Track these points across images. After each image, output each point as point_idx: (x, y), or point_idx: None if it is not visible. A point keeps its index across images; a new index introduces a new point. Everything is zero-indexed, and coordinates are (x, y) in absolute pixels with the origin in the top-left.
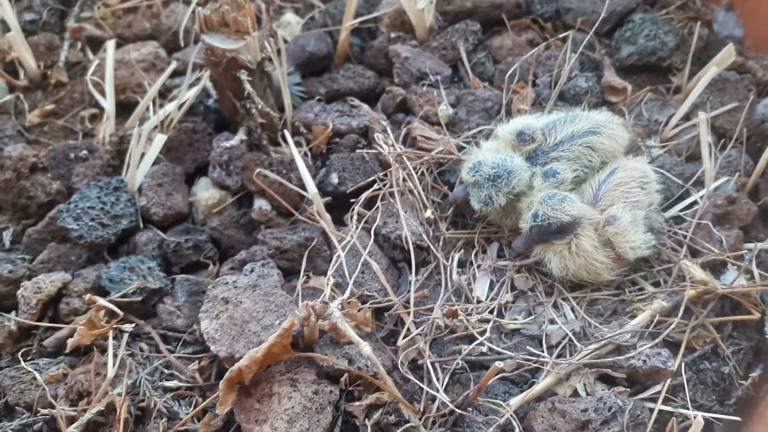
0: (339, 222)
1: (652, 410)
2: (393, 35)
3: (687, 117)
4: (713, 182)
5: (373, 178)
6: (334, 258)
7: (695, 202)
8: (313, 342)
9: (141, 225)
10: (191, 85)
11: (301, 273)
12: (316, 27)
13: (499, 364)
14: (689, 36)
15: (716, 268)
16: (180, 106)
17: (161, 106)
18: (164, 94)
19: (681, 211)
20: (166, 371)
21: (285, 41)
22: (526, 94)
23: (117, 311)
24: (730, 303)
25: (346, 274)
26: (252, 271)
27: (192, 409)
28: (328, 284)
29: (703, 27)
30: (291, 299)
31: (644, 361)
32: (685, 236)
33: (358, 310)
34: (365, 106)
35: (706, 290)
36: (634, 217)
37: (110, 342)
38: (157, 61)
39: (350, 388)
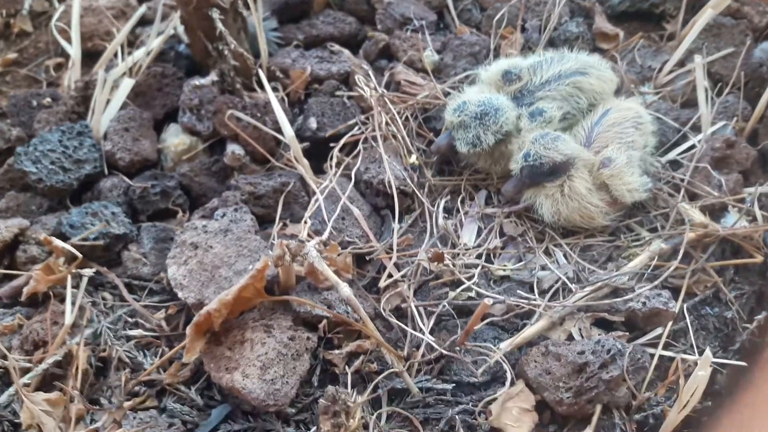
0: (318, 170)
1: (652, 356)
2: None
3: (681, 63)
4: (710, 127)
5: (353, 120)
6: (312, 201)
7: (692, 147)
8: (289, 288)
9: (106, 171)
10: (161, 32)
11: (277, 219)
12: None
13: (488, 301)
14: None
15: (715, 212)
16: (149, 52)
17: (131, 54)
18: (135, 43)
19: (677, 155)
20: (130, 320)
21: None
22: (515, 39)
23: (76, 254)
24: (731, 247)
25: (325, 218)
26: (224, 215)
27: (158, 359)
28: (305, 226)
29: None
30: (265, 245)
31: (643, 303)
32: (682, 180)
33: (338, 255)
34: (346, 52)
35: (706, 233)
36: (629, 158)
37: (68, 287)
38: (128, 9)
39: (329, 336)
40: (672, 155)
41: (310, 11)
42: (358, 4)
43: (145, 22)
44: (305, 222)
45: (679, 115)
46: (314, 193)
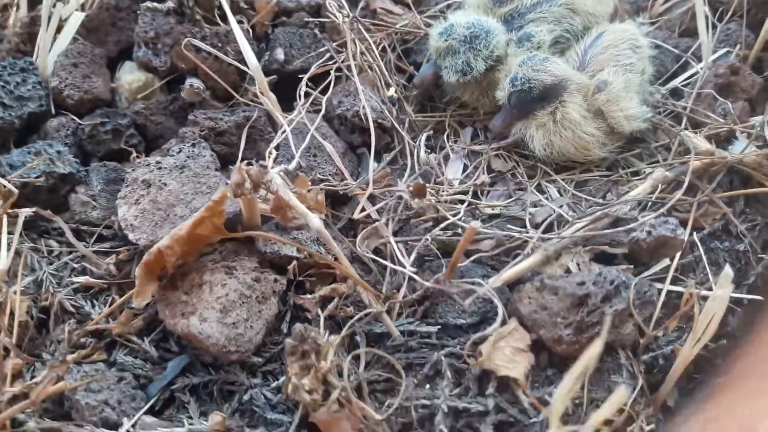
0: (287, 109)
1: (660, 290)
2: None
3: None
4: (711, 54)
5: (325, 47)
6: (278, 133)
7: (694, 76)
8: (254, 227)
9: (53, 110)
10: None
11: (239, 156)
12: None
13: (476, 224)
14: None
15: (721, 141)
16: None
17: None
18: None
19: (679, 84)
20: (76, 267)
21: None
22: None
23: (13, 190)
24: (740, 177)
25: (293, 150)
26: (180, 151)
27: (107, 307)
28: (269, 157)
29: None
30: (226, 181)
31: (648, 233)
32: (684, 108)
33: (308, 190)
34: None
35: (713, 161)
36: (627, 82)
37: (3, 230)
38: None
39: (300, 279)
40: (672, 84)
41: None
42: None
43: None
44: (269, 154)
45: (677, 44)
46: (281, 126)
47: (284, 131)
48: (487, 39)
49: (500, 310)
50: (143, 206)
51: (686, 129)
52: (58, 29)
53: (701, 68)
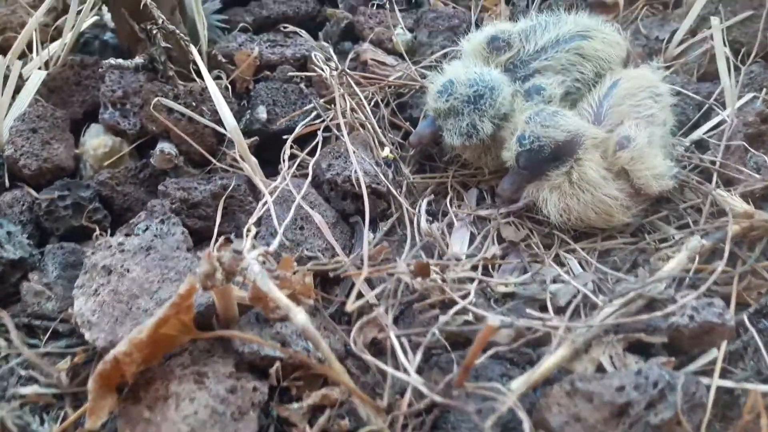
0: (271, 173)
1: (708, 387)
2: None
3: (693, 32)
4: (737, 101)
5: (311, 105)
6: (260, 205)
7: (719, 125)
8: (230, 321)
9: (7, 182)
10: (80, 11)
11: (215, 232)
12: None
13: (494, 321)
14: None
15: (756, 200)
16: (65, 42)
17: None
18: (57, 38)
19: (704, 134)
20: (23, 374)
21: None
22: (500, 10)
23: None
24: None
25: (276, 225)
26: (146, 229)
27: (58, 425)
28: (248, 236)
29: None
30: (196, 268)
31: (691, 318)
32: (713, 163)
33: (294, 272)
34: (303, 33)
35: (752, 225)
36: (650, 136)
37: None
38: None
39: (285, 384)
40: (696, 135)
41: None
42: None
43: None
44: (248, 231)
45: (698, 89)
46: (263, 195)
47: (265, 202)
48: (493, 97)
49: (526, 424)
50: (102, 298)
51: (717, 186)
52: (17, 89)
53: (728, 116)
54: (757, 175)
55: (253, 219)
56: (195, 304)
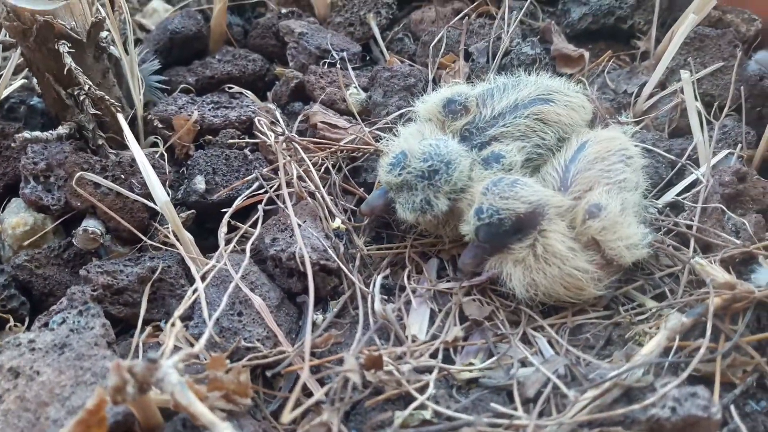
0: (213, 244)
1: None
2: (285, 11)
3: (663, 85)
4: (711, 158)
5: (253, 175)
6: (189, 293)
7: (693, 184)
8: (153, 429)
9: None
10: None
11: (139, 323)
12: None
13: None
14: None
15: (737, 266)
16: None
17: None
18: None
19: (677, 196)
20: None
21: (144, 29)
22: (458, 68)
23: None
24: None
25: (206, 317)
26: (62, 322)
27: None
28: (170, 331)
29: None
30: (135, 361)
31: (673, 409)
32: (689, 227)
33: (227, 371)
34: (249, 94)
35: (735, 296)
36: (623, 203)
37: None
38: None
39: None
40: (670, 196)
41: (206, 51)
42: (265, 38)
43: None
44: (172, 325)
45: (670, 146)
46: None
47: (196, 289)
48: (449, 172)
49: None
50: (7, 406)
51: (695, 253)
52: None
53: (703, 175)
54: (737, 240)
55: (179, 311)
56: (110, 414)
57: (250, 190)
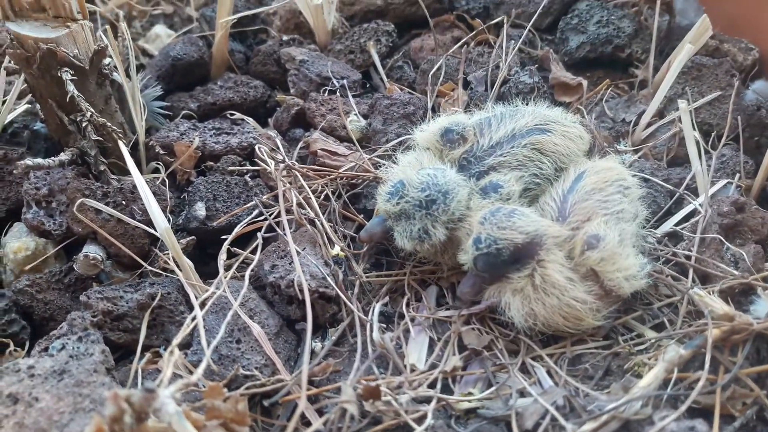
0: (211, 274)
1: None
2: (286, 38)
3: (661, 114)
4: (710, 187)
5: (253, 203)
6: (188, 320)
7: (692, 214)
8: None
9: None
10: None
11: (138, 349)
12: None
13: None
14: (648, 23)
15: (736, 296)
16: None
17: None
18: None
19: (675, 225)
20: None
21: (147, 54)
22: (457, 96)
23: None
24: (766, 342)
25: (204, 344)
26: (62, 348)
27: None
28: (169, 359)
29: (662, 13)
30: (132, 390)
31: None
32: (688, 257)
33: (225, 399)
34: (250, 121)
35: (734, 328)
36: (622, 233)
37: None
38: None
39: None
40: (668, 226)
41: (208, 77)
42: (266, 64)
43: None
44: (170, 353)
45: (668, 176)
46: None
47: (194, 317)
48: (446, 202)
49: None
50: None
51: (695, 284)
52: None
53: (701, 206)
54: (735, 271)
55: (177, 339)
56: None
57: (250, 216)
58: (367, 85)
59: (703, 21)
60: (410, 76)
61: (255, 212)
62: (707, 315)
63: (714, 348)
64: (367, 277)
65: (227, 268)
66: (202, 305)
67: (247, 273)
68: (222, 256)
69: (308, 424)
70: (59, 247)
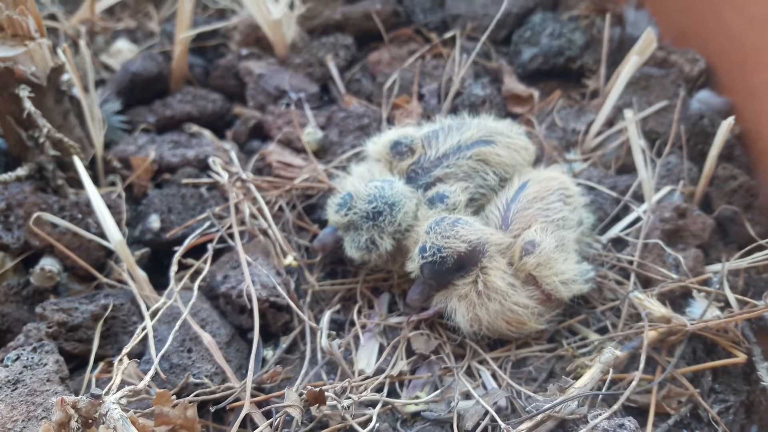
0: (167, 283)
1: None
2: (245, 52)
3: (610, 123)
4: (654, 194)
5: (205, 214)
6: (138, 330)
7: (637, 220)
8: None
9: None
10: None
11: (91, 358)
12: None
13: None
14: (599, 35)
15: (677, 300)
16: None
17: None
18: None
19: (620, 232)
20: None
21: (109, 69)
22: (411, 108)
23: None
24: (703, 344)
25: (152, 350)
26: (17, 359)
27: None
28: (119, 367)
29: (613, 25)
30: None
31: None
32: (630, 262)
33: (174, 406)
34: (207, 133)
35: (671, 329)
36: (560, 240)
37: None
38: None
39: None
40: (614, 232)
41: (168, 91)
42: (225, 78)
43: None
44: (119, 361)
45: (615, 183)
46: (152, 316)
47: (144, 327)
48: (393, 214)
49: None
50: None
51: (636, 288)
52: None
53: (644, 212)
54: (674, 275)
55: (127, 348)
56: None
57: (202, 228)
58: (325, 98)
59: (647, 34)
60: (368, 89)
61: (207, 224)
62: (644, 317)
63: (653, 349)
64: (320, 285)
65: (179, 279)
66: (153, 315)
67: (196, 284)
68: (173, 268)
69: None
70: (17, 260)
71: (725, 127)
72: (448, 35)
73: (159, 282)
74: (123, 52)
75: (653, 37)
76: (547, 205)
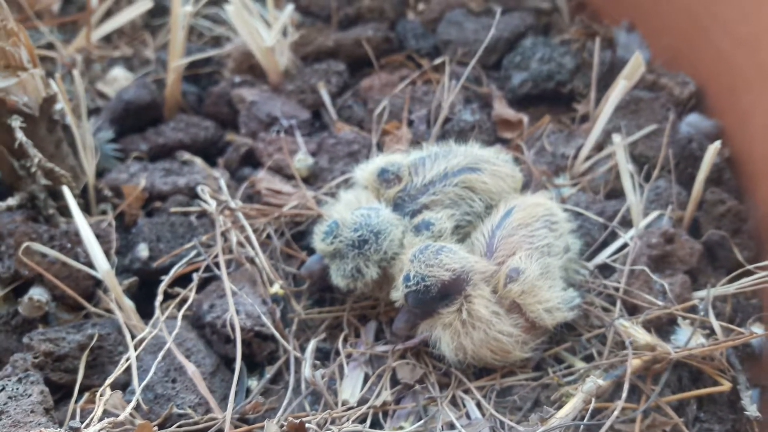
0: (153, 313)
1: None
2: (238, 80)
3: (599, 147)
4: (642, 219)
5: (191, 243)
6: (122, 361)
7: (624, 245)
8: None
9: None
10: None
11: (76, 388)
12: None
13: None
14: (590, 58)
15: (663, 327)
16: None
17: None
18: None
19: (608, 258)
20: None
21: (104, 97)
22: (401, 134)
23: None
24: (689, 372)
25: (136, 384)
26: (2, 389)
27: None
28: (100, 398)
29: (604, 48)
30: (58, 430)
31: None
32: (617, 289)
33: None
34: (198, 161)
35: (655, 357)
36: (544, 267)
37: None
38: None
39: None
40: (601, 258)
41: (162, 118)
42: (218, 105)
43: None
44: (101, 392)
45: (603, 208)
46: (136, 346)
47: (128, 358)
48: (378, 243)
49: None
50: None
51: (622, 315)
52: None
53: (631, 239)
54: (660, 302)
55: (110, 379)
56: None
57: (189, 257)
58: (317, 125)
59: (635, 58)
60: (359, 115)
61: (193, 252)
62: (628, 345)
63: (638, 377)
64: (307, 313)
65: (166, 309)
66: (138, 345)
67: (180, 313)
68: (159, 297)
69: None
70: (7, 289)
71: (712, 151)
72: (438, 61)
73: (147, 311)
74: (119, 79)
75: (641, 62)
76: (532, 232)
